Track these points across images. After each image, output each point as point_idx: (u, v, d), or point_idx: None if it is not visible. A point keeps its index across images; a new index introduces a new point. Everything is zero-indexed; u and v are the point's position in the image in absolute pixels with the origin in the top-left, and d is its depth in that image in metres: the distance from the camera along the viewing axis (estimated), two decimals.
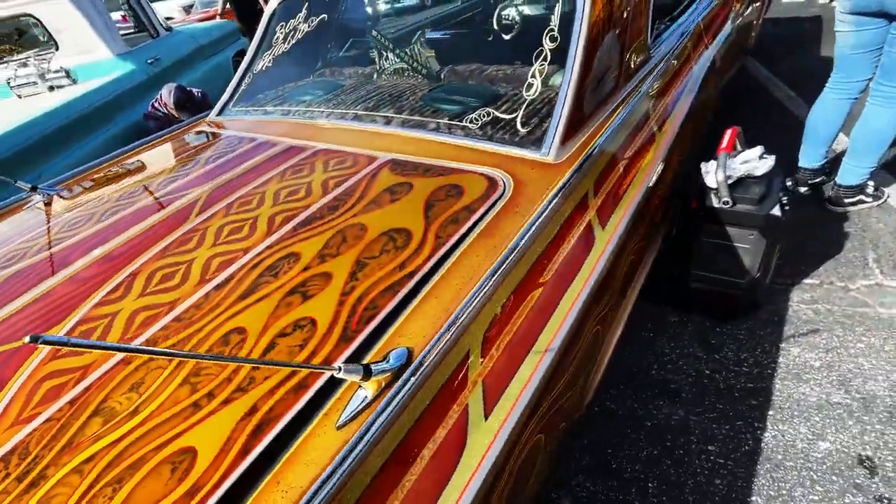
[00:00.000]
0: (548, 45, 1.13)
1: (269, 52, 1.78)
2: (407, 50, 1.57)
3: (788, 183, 2.03)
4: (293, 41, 1.74)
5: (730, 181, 1.29)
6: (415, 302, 0.70)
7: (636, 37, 1.26)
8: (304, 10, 1.74)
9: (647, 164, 1.12)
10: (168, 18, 12.62)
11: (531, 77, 1.12)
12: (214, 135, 1.57)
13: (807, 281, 1.59)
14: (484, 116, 1.13)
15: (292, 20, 1.77)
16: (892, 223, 1.76)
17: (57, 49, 3.21)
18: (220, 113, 1.78)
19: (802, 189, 2.00)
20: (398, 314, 0.69)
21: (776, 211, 1.25)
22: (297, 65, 1.73)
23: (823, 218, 1.86)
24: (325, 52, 1.73)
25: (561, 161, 0.98)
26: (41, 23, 3.12)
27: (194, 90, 3.12)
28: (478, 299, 0.69)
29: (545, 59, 1.12)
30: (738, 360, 1.36)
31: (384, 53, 1.62)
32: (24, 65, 3.10)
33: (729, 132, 1.36)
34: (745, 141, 1.47)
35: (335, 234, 0.87)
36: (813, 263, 1.65)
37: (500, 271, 0.74)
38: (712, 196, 1.29)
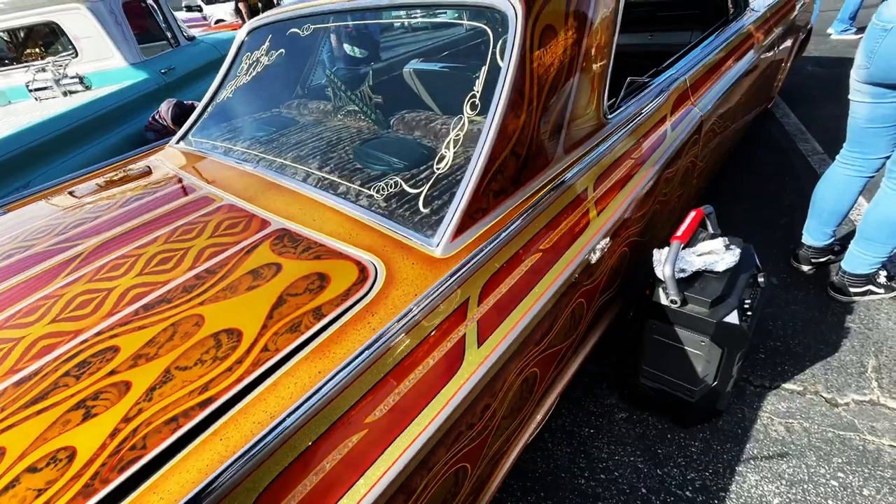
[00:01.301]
0: (467, 112, 1.00)
1: (233, 82, 1.74)
2: (357, 92, 1.47)
3: (793, 261, 1.80)
4: (254, 74, 1.68)
5: (683, 275, 1.11)
6: (193, 445, 0.59)
7: (585, 103, 1.11)
8: (267, 43, 1.68)
9: (571, 254, 0.96)
10: (219, 21, 13.23)
11: (444, 148, 0.99)
12: (154, 169, 1.53)
13: (787, 386, 1.37)
14: (392, 186, 1.02)
15: (257, 51, 1.71)
16: None
17: (76, 56, 3.34)
18: (179, 140, 1.75)
19: (805, 268, 1.76)
20: (164, 461, 0.57)
21: (733, 317, 1.06)
22: (253, 99, 1.67)
23: (824, 306, 1.62)
24: (282, 88, 1.66)
25: (449, 256, 0.84)
26: (63, 30, 3.26)
27: (197, 104, 3.16)
28: (267, 448, 0.57)
29: (462, 128, 0.99)
30: (683, 480, 1.17)
31: (337, 94, 1.53)
32: (43, 70, 3.23)
33: (692, 215, 1.17)
34: (716, 223, 1.28)
35: (168, 328, 0.77)
36: (800, 363, 1.43)
37: (311, 409, 0.62)
38: (660, 291, 1.11)
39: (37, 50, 3.56)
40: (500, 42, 0.99)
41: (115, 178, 1.51)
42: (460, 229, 0.87)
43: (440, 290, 0.78)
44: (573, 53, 1.05)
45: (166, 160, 1.60)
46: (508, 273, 0.87)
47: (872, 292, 1.58)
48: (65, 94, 3.23)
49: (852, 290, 1.58)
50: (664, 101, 1.39)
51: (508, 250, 0.89)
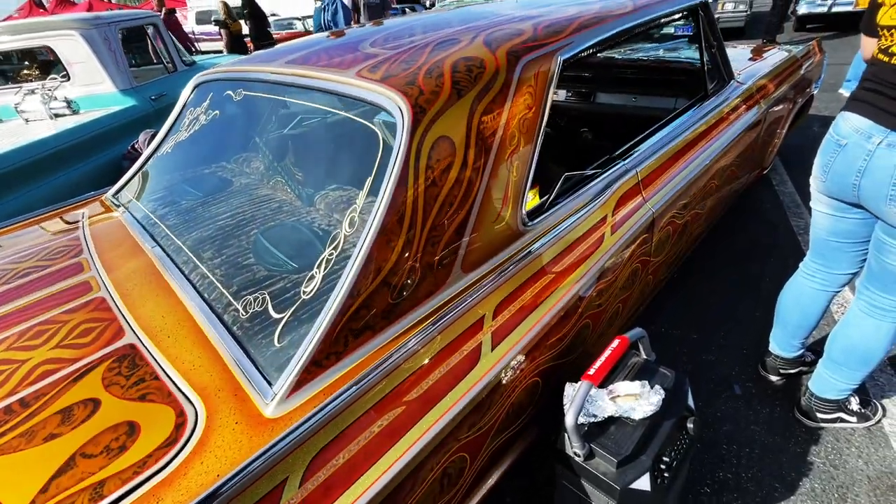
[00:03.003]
0: (345, 228, 0.89)
1: (174, 137, 1.68)
2: (270, 169, 1.38)
3: (760, 370, 1.62)
4: (191, 132, 1.62)
5: (594, 419, 0.96)
6: None
7: (494, 217, 0.99)
8: (207, 101, 1.62)
9: (451, 400, 0.83)
10: (245, 36, 13.63)
11: (316, 266, 0.88)
12: (68, 230, 1.46)
13: None
14: (259, 303, 0.90)
15: (198, 108, 1.65)
16: (877, 463, 1.31)
17: (69, 79, 3.38)
18: (116, 192, 1.69)
19: (773, 378, 1.58)
20: None
21: (644, 482, 0.90)
22: (183, 161, 1.59)
23: (788, 430, 1.44)
24: (211, 153, 1.58)
25: (279, 417, 0.72)
26: (57, 54, 3.30)
27: None
28: None
29: (336, 246, 0.88)
30: None
31: (251, 168, 1.44)
32: (33, 92, 3.27)
33: (613, 345, 1.03)
34: (649, 347, 1.13)
35: None
36: None
37: None
38: (565, 436, 0.97)
39: (31, 71, 3.61)
40: (383, 151, 0.88)
41: (24, 239, 1.43)
42: (302, 381, 0.75)
43: (253, 467, 0.66)
44: (478, 165, 0.94)
45: (87, 218, 1.53)
46: (352, 438, 0.74)
47: (843, 420, 1.39)
48: (52, 116, 3.26)
49: (820, 415, 1.40)
50: (605, 200, 1.26)
51: (360, 405, 0.77)
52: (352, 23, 4.71)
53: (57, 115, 3.26)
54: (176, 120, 1.71)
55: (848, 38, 5.58)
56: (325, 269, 0.86)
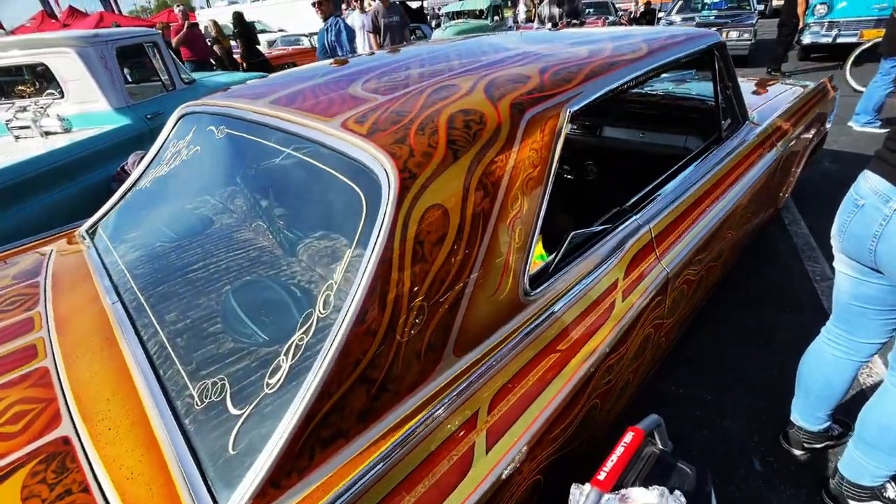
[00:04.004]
0: (319, 309, 0.77)
1: (154, 171, 1.57)
2: (258, 215, 1.27)
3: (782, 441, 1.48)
4: (171, 167, 1.51)
5: None
6: None
7: (492, 290, 0.87)
8: (191, 134, 1.52)
9: None
10: (233, 54, 13.81)
11: (283, 354, 0.76)
12: (31, 272, 1.34)
13: None
14: (217, 391, 0.78)
15: (181, 141, 1.55)
16: None
17: (63, 97, 3.31)
18: (90, 227, 1.58)
19: (797, 452, 1.44)
20: None
21: None
22: (160, 200, 1.49)
23: None
24: (189, 194, 1.47)
25: None
26: (51, 72, 3.23)
27: None
28: None
29: (308, 331, 0.76)
30: None
31: (240, 211, 1.33)
32: (25, 109, 3.19)
33: (626, 438, 0.90)
34: (665, 436, 1.00)
35: None
36: None
37: None
38: None
39: (26, 88, 3.54)
40: (366, 218, 0.77)
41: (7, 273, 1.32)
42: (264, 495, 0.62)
43: None
44: (475, 235, 0.82)
45: (53, 259, 1.41)
46: None
47: None
48: (42, 134, 3.17)
49: (852, 503, 1.26)
50: (617, 262, 1.14)
51: None
52: (354, 42, 4.64)
53: (48, 133, 3.18)
54: (159, 151, 1.61)
55: (856, 69, 5.54)
56: (292, 359, 0.74)
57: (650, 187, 1.39)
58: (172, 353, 0.89)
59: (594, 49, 1.24)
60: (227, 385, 0.77)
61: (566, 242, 1.08)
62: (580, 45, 1.32)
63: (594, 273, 1.08)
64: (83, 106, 3.30)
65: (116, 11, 16.31)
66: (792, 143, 2.08)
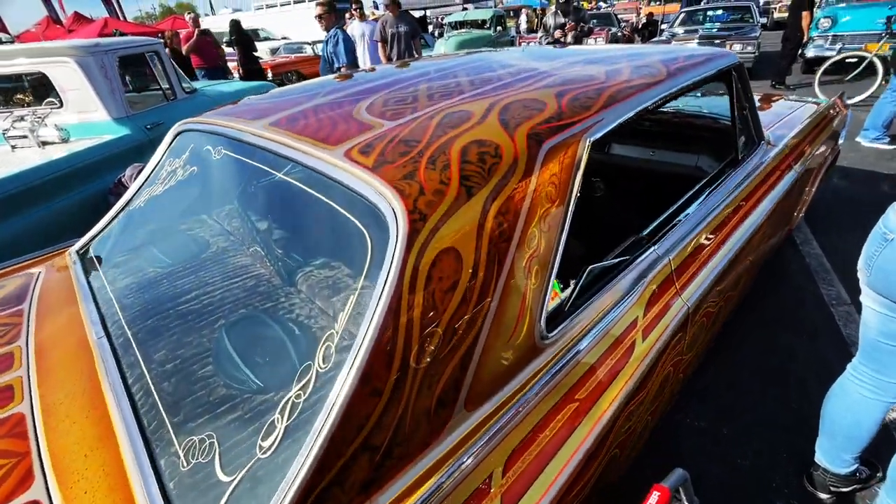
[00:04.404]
0: (319, 362, 0.70)
1: (149, 190, 1.51)
2: (257, 244, 1.20)
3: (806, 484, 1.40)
4: (167, 187, 1.45)
5: None
6: None
7: (507, 337, 0.80)
8: (187, 153, 1.45)
9: None
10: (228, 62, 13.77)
11: (278, 412, 0.69)
12: (17, 296, 1.27)
13: None
14: (204, 451, 0.71)
15: (177, 160, 1.49)
16: None
17: (61, 106, 3.26)
18: (82, 248, 1.51)
19: (823, 496, 1.36)
20: None
21: None
22: (153, 224, 1.42)
23: None
24: (186, 214, 1.41)
25: None
26: (50, 81, 3.19)
27: None
28: None
29: (306, 387, 0.69)
30: None
31: (237, 238, 1.27)
32: (22, 118, 3.14)
33: (652, 501, 0.82)
34: (692, 492, 0.92)
35: None
36: None
37: None
38: None
39: (25, 97, 3.50)
40: (371, 262, 0.70)
41: None
42: None
43: None
44: (489, 279, 0.75)
45: (42, 283, 1.35)
46: None
47: None
48: (40, 144, 3.12)
49: None
50: (636, 298, 1.07)
51: None
52: (354, 53, 4.53)
53: (45, 143, 3.13)
54: (154, 169, 1.55)
55: (862, 83, 5.51)
56: (288, 419, 0.67)
57: (667, 213, 1.33)
58: (159, 401, 0.82)
59: (611, 71, 1.18)
60: (217, 444, 0.70)
61: (582, 277, 1.01)
62: (595, 65, 1.26)
63: (613, 311, 1.01)
64: (81, 116, 3.25)
65: (121, 18, 16.38)
66: (809, 163, 2.02)
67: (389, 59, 5.44)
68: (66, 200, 2.79)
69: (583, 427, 0.84)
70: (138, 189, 1.53)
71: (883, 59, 5.42)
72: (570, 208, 0.88)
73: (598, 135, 0.94)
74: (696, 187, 1.47)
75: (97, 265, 1.36)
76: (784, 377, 1.81)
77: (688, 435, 1.60)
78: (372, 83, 1.30)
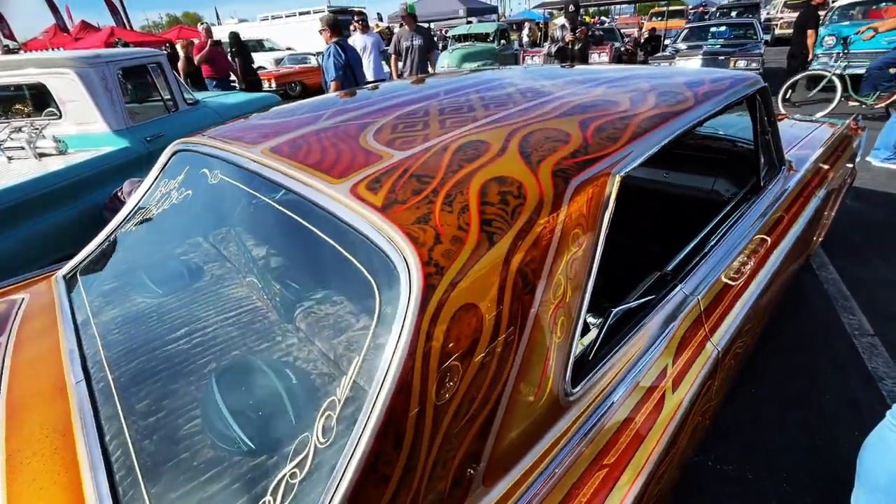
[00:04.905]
0: (317, 434, 0.61)
1: (142, 212, 1.43)
2: (253, 279, 1.12)
3: None
4: (161, 210, 1.37)
5: None
6: None
7: (529, 400, 0.71)
8: (182, 174, 1.38)
9: None
10: (259, 68, 13.89)
11: (270, 494, 0.60)
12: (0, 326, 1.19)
13: None
14: None
15: (172, 181, 1.41)
16: None
17: (60, 117, 3.20)
18: (69, 273, 1.43)
19: None
20: None
21: None
22: (148, 246, 1.34)
23: None
24: (179, 241, 1.33)
25: None
26: (50, 92, 3.14)
27: None
28: None
29: (302, 464, 0.60)
30: None
31: (233, 273, 1.18)
32: (20, 130, 3.08)
33: None
34: None
35: None
36: None
37: None
38: None
39: (24, 107, 3.45)
40: (379, 319, 0.62)
41: None
42: None
43: None
44: (511, 337, 0.67)
45: (22, 313, 1.26)
46: None
47: None
48: (37, 156, 3.06)
49: None
50: (666, 345, 0.98)
51: None
52: (342, 70, 4.31)
53: (42, 155, 3.07)
54: (149, 190, 1.47)
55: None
56: (281, 502, 0.57)
57: (691, 246, 1.24)
58: (136, 465, 0.73)
59: (636, 97, 1.11)
60: None
61: (607, 321, 0.93)
62: (617, 88, 1.19)
63: (641, 361, 0.93)
64: (80, 127, 3.19)
65: (127, 27, 16.49)
66: (831, 187, 1.95)
67: (400, 75, 5.41)
68: (62, 214, 2.72)
69: (611, 500, 0.75)
70: (130, 211, 1.46)
71: (841, 77, 5.79)
72: (599, 251, 0.80)
73: (627, 169, 0.86)
74: (719, 216, 1.39)
75: (83, 293, 1.28)
76: (810, 416, 1.71)
77: (710, 479, 1.50)
78: (379, 104, 1.23)
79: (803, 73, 6.17)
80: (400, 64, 5.40)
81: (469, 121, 0.99)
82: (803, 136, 2.22)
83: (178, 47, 6.78)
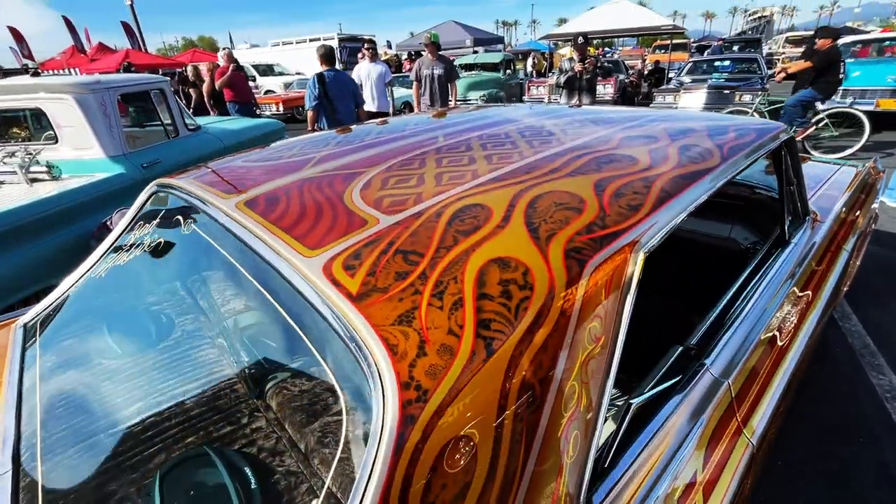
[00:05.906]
0: None
1: (114, 256, 1.31)
2: (226, 328, 0.99)
3: None
4: (132, 256, 1.25)
5: None
6: None
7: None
8: (157, 219, 1.27)
9: None
10: (268, 92, 14.04)
11: None
12: None
13: None
14: None
15: (147, 224, 1.30)
16: None
17: (57, 142, 3.15)
18: (29, 322, 1.30)
19: None
20: None
21: None
22: (110, 303, 1.22)
23: None
24: (140, 300, 1.20)
25: None
26: (47, 116, 3.09)
27: None
28: None
29: None
30: None
31: (208, 324, 1.05)
32: (13, 154, 3.02)
33: None
34: None
35: None
36: None
37: None
38: None
39: (20, 131, 3.40)
40: (341, 462, 0.48)
41: None
42: None
43: None
44: (515, 466, 0.53)
45: None
46: None
47: None
48: (28, 182, 2.98)
49: None
50: (695, 443, 0.83)
51: None
52: (317, 99, 4.11)
53: (35, 181, 2.99)
54: (124, 230, 1.36)
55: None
56: None
57: (714, 315, 1.11)
58: None
59: (655, 152, 0.99)
60: None
61: (625, 417, 0.79)
62: (634, 139, 1.08)
63: (670, 467, 0.78)
64: (76, 153, 3.13)
65: (143, 49, 16.90)
66: (857, 236, 1.82)
67: (419, 103, 5.42)
68: (52, 241, 2.62)
69: None
70: (102, 255, 1.34)
71: (760, 112, 6.34)
72: (620, 345, 0.67)
73: (652, 244, 0.74)
74: (743, 275, 1.25)
75: (37, 349, 1.15)
76: (845, 494, 1.53)
77: None
78: (372, 149, 1.12)
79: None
80: (420, 91, 5.39)
81: (469, 176, 0.88)
82: (824, 180, 2.11)
83: (204, 70, 6.82)
